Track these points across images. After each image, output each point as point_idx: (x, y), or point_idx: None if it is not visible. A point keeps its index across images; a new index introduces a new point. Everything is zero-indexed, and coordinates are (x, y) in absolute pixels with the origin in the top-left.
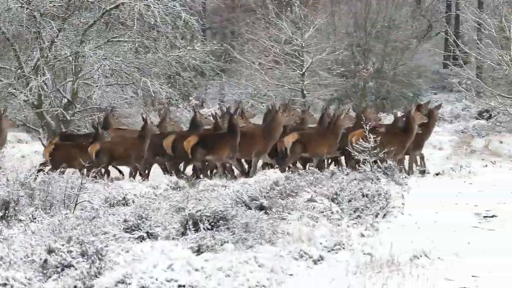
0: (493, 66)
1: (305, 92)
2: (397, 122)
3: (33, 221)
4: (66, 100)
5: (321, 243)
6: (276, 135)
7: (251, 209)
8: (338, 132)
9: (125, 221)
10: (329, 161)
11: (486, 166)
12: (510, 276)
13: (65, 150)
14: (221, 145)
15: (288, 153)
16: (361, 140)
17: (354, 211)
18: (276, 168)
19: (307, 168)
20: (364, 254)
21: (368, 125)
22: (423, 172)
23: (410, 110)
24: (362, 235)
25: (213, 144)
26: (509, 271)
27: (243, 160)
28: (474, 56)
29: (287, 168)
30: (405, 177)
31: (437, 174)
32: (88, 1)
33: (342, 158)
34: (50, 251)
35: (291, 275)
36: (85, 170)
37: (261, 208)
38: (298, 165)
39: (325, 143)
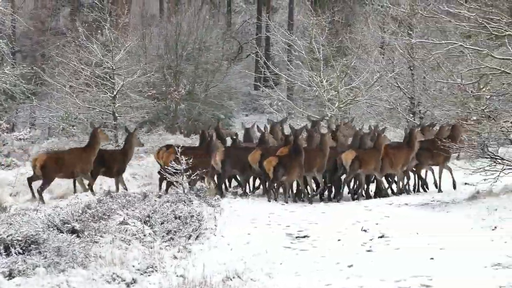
0: (304, 87)
1: (116, 114)
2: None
3: None
4: None
5: (133, 266)
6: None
7: (63, 232)
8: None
9: None
10: None
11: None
12: None
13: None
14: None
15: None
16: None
17: (167, 233)
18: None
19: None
20: (177, 276)
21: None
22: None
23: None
24: (175, 257)
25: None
26: None
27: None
28: (284, 78)
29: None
30: (217, 198)
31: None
32: None
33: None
34: None
35: None
36: None
37: (73, 231)
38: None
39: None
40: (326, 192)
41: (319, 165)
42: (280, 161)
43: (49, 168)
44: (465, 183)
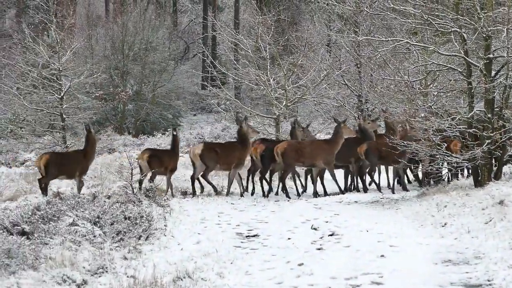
0: (251, 86)
1: (64, 116)
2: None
3: None
4: None
5: (84, 267)
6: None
7: (13, 234)
8: None
9: None
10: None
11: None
12: None
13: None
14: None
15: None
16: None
17: (117, 234)
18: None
19: None
20: (128, 277)
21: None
22: None
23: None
24: (125, 258)
25: None
26: None
27: None
28: (231, 77)
29: None
30: (167, 198)
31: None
32: None
33: None
34: None
35: None
36: None
37: (23, 233)
38: None
39: None
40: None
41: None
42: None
43: (290, 155)
44: (414, 180)
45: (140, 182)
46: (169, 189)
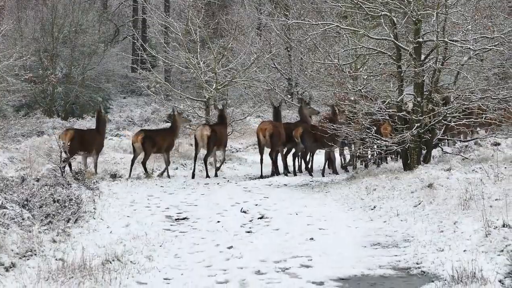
0: (181, 69)
1: None
2: None
3: None
4: None
5: (12, 250)
6: None
7: None
8: None
9: None
10: None
11: (177, 168)
12: (200, 279)
13: None
14: None
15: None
16: None
17: (46, 217)
18: None
19: None
20: (56, 259)
21: None
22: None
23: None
24: (54, 241)
25: None
26: (198, 274)
27: None
28: (162, 60)
29: None
30: (96, 181)
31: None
32: None
33: None
34: None
35: None
36: None
37: None
38: None
39: None
40: None
41: None
42: None
43: (275, 137)
44: (345, 165)
45: (133, 162)
46: (166, 169)
